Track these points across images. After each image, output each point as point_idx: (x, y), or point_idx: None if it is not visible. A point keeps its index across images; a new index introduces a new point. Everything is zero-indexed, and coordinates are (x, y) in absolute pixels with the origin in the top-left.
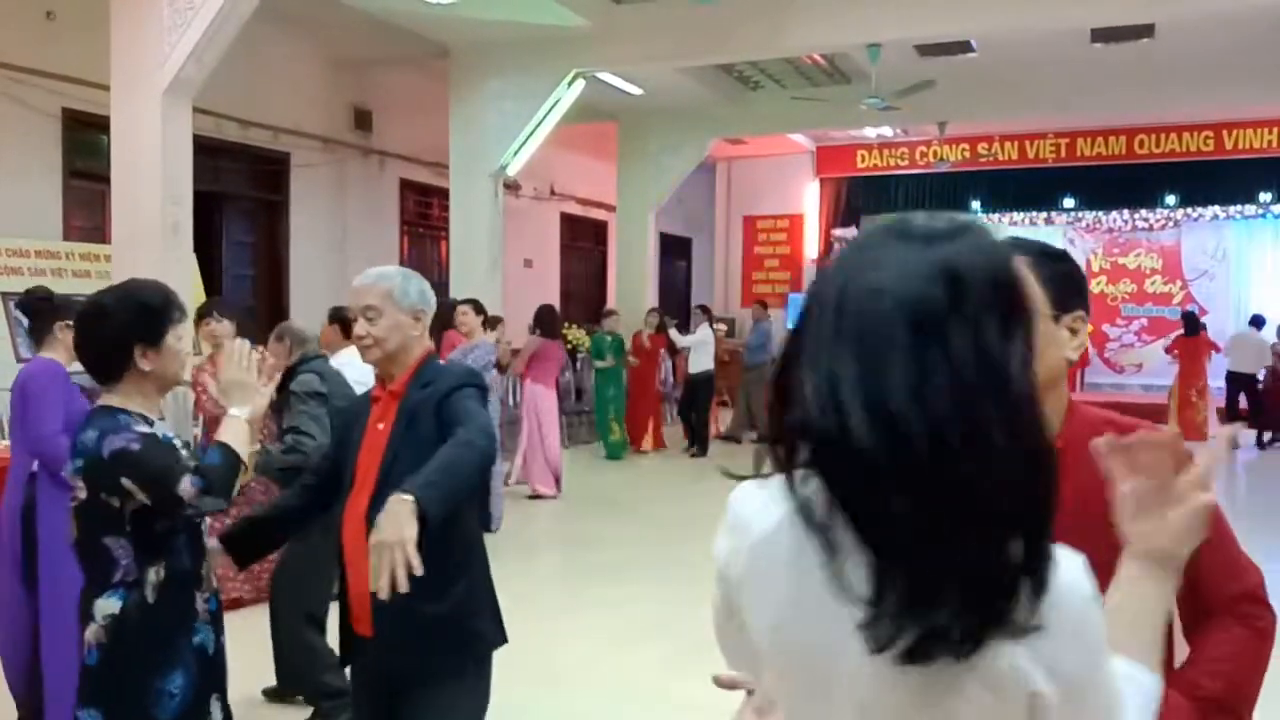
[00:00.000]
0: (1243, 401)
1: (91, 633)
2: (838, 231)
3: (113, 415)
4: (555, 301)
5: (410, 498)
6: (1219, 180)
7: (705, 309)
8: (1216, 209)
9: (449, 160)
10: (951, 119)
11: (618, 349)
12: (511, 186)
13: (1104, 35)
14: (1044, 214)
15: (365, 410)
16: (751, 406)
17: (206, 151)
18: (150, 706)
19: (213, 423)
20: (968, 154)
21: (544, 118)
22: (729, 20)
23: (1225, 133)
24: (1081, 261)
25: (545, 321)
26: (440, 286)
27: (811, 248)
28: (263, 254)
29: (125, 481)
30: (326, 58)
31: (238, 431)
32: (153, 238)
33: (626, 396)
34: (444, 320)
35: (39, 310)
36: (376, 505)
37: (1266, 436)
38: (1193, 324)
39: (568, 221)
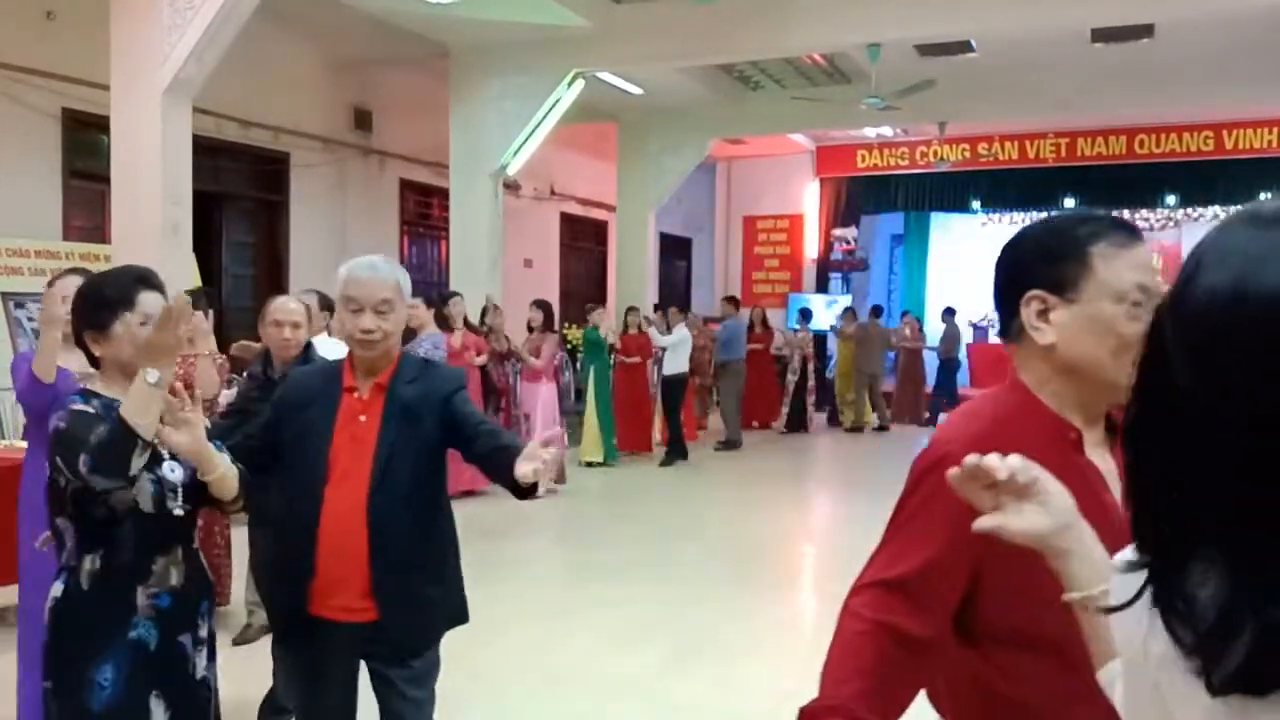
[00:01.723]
0: None
1: (46, 611)
2: (838, 231)
3: (77, 396)
4: (555, 301)
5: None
6: (1219, 180)
7: (681, 309)
8: (1217, 209)
9: (449, 160)
10: (952, 119)
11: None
12: (511, 186)
13: (1104, 35)
14: (1045, 213)
15: (330, 396)
16: (723, 405)
17: (206, 151)
18: (82, 693)
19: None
20: (968, 154)
21: (544, 117)
22: (729, 20)
23: (1226, 132)
24: None
25: (550, 316)
26: (441, 286)
27: (812, 248)
28: (263, 254)
29: (56, 459)
30: (326, 58)
31: (138, 398)
32: (153, 237)
33: (613, 397)
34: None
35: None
36: (379, 500)
37: None
38: None
39: (568, 221)
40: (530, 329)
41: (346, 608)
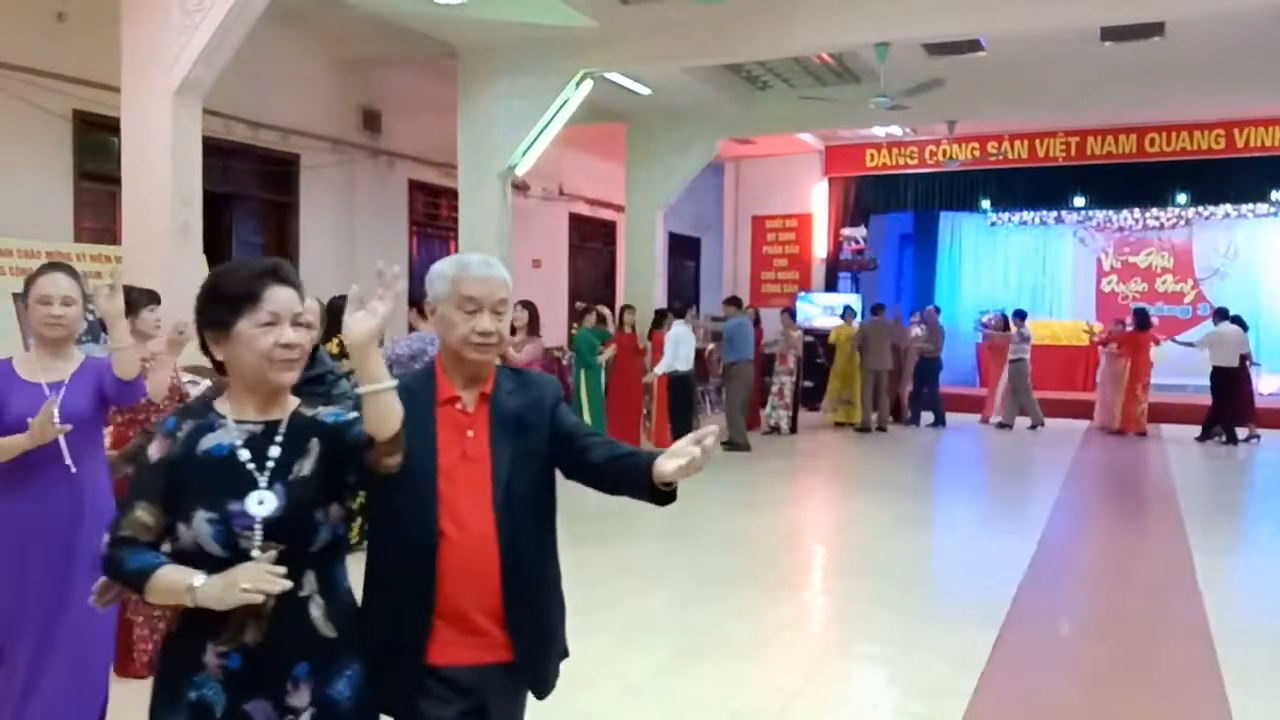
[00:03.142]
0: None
1: None
2: (847, 231)
3: (169, 420)
4: (564, 301)
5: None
6: (1230, 178)
7: (675, 309)
8: (1228, 207)
9: (457, 160)
10: (961, 118)
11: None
12: (520, 187)
13: (1114, 34)
14: (1054, 213)
15: (423, 409)
16: (728, 406)
17: (216, 152)
18: None
19: None
20: (977, 153)
21: (552, 118)
22: (737, 20)
23: (1236, 131)
24: (1092, 261)
25: (535, 317)
26: None
27: (821, 247)
28: (272, 254)
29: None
30: (335, 59)
31: (169, 588)
32: (163, 238)
33: (606, 397)
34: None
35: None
36: (506, 525)
37: (1243, 433)
38: (1143, 319)
39: (576, 221)
40: (514, 330)
41: (482, 647)
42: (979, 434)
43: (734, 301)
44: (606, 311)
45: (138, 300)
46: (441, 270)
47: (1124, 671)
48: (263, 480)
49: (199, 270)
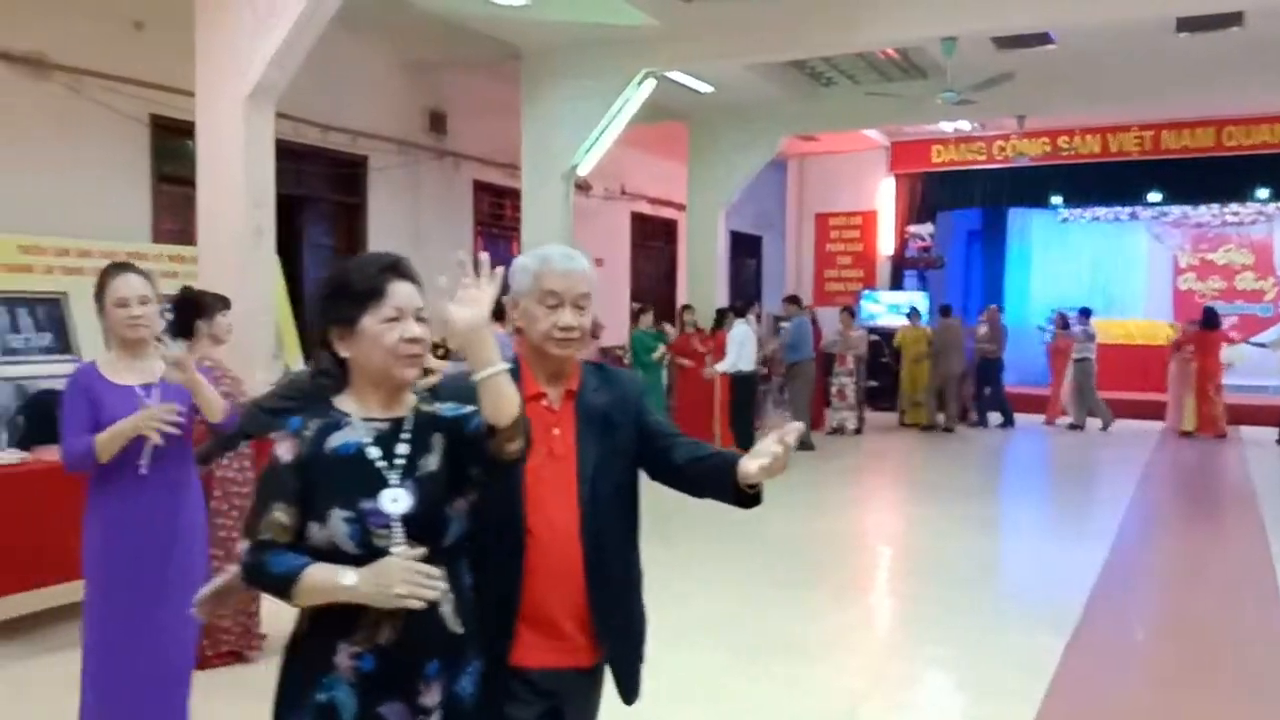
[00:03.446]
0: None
1: None
2: (913, 228)
3: (295, 420)
4: (625, 301)
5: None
6: None
7: (735, 308)
8: None
9: (521, 161)
10: (1030, 112)
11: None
12: (582, 186)
13: (1190, 24)
14: (1128, 209)
15: None
16: (793, 406)
17: (288, 155)
18: None
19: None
20: (1048, 148)
21: (614, 118)
22: (801, 16)
23: None
24: (1167, 258)
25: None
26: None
27: (886, 245)
28: (342, 255)
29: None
30: (402, 62)
31: (320, 587)
32: (237, 240)
33: (669, 396)
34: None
35: (181, 307)
36: (592, 526)
37: None
38: (1212, 319)
39: (638, 221)
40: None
41: (566, 650)
42: (1047, 435)
43: (794, 300)
44: (665, 326)
45: (211, 305)
46: (523, 264)
47: (1198, 677)
48: (393, 478)
49: (271, 271)
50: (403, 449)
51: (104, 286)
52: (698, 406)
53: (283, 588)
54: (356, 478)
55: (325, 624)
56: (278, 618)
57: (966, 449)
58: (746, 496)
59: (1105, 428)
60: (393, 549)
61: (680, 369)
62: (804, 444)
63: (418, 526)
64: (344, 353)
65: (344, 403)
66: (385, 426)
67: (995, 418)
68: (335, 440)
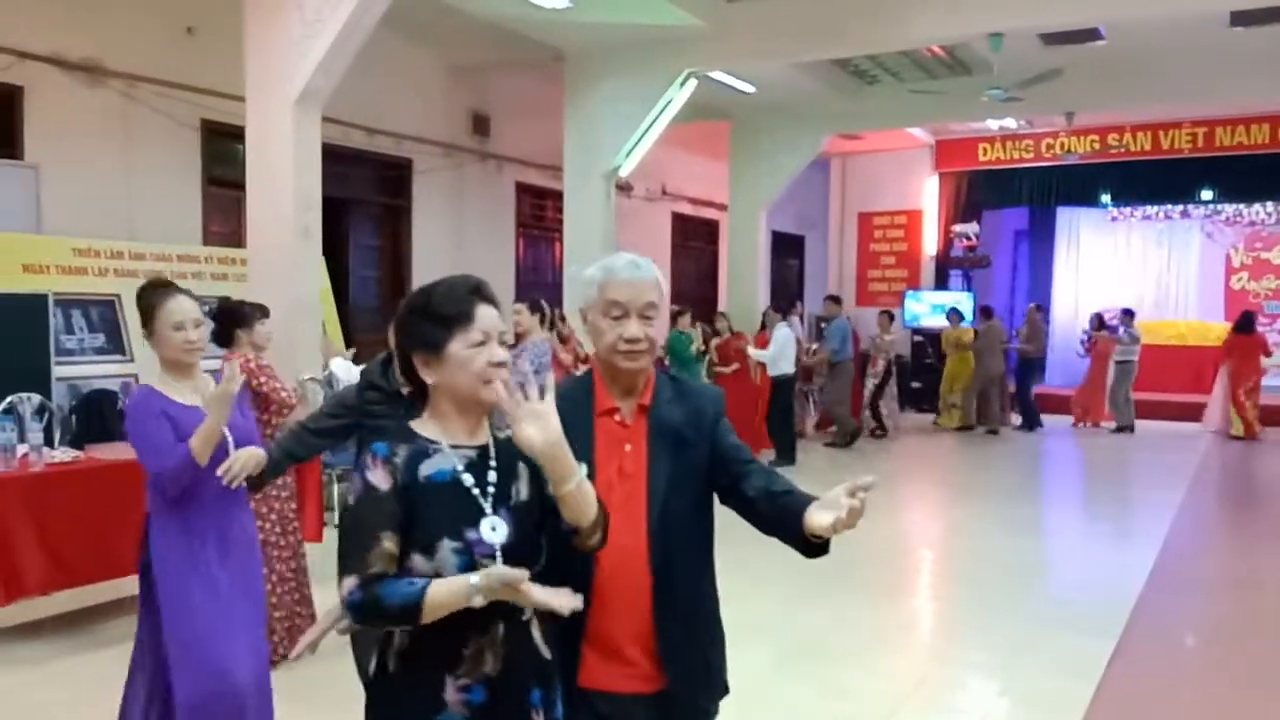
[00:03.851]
0: None
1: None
2: (958, 227)
3: (381, 445)
4: (666, 301)
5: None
6: None
7: (779, 308)
8: None
9: (563, 163)
10: (1079, 109)
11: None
12: (624, 187)
13: (1244, 18)
14: (1180, 207)
15: (582, 420)
16: (834, 406)
17: (335, 158)
18: None
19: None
20: (1098, 145)
21: (656, 118)
22: (845, 14)
23: None
24: (1220, 257)
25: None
26: (554, 287)
27: (930, 244)
28: (387, 256)
29: (342, 532)
30: (446, 65)
31: (447, 598)
32: (286, 242)
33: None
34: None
35: (222, 317)
36: (661, 545)
37: None
38: (1247, 322)
39: (679, 221)
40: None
41: (631, 676)
42: (1090, 437)
43: (835, 300)
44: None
45: (250, 315)
46: (589, 275)
47: (1251, 684)
48: (487, 506)
49: (318, 272)
50: (493, 476)
51: (155, 309)
52: (737, 410)
53: (408, 617)
54: (457, 507)
55: (426, 658)
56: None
57: (1006, 450)
58: (813, 545)
59: (1119, 429)
60: None
61: (719, 376)
62: (849, 435)
63: (515, 555)
64: (429, 378)
65: (426, 428)
66: (473, 454)
67: (1040, 418)
68: (428, 468)
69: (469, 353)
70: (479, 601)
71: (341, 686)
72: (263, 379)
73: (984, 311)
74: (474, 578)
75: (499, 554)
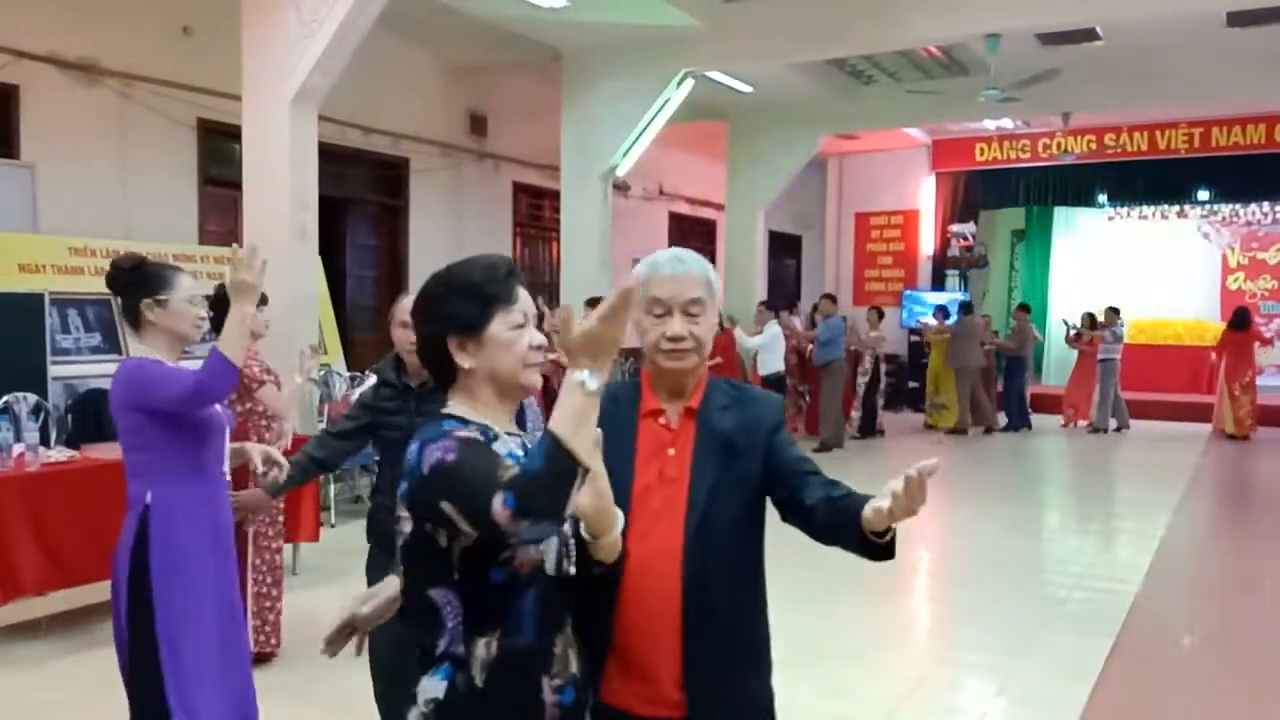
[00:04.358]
0: None
1: (417, 715)
2: (955, 227)
3: (439, 424)
4: (716, 299)
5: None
6: None
7: (771, 305)
8: None
9: (560, 162)
10: (1076, 109)
11: None
12: (620, 187)
13: (1240, 19)
14: (1176, 207)
15: (627, 421)
16: (824, 406)
17: (331, 158)
18: None
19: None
20: (1094, 145)
21: (653, 118)
22: (842, 14)
23: None
24: (1216, 257)
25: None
26: (551, 287)
27: (927, 244)
28: (384, 256)
29: (444, 505)
30: (443, 65)
31: (573, 410)
32: (282, 241)
33: None
34: None
35: (220, 303)
36: (696, 557)
37: None
38: (1241, 319)
39: (676, 221)
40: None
41: (651, 698)
42: (1083, 438)
43: (831, 299)
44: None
45: None
46: (634, 273)
47: (1247, 685)
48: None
49: (315, 272)
50: None
51: (171, 280)
52: None
53: (561, 461)
54: None
55: (520, 663)
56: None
57: (999, 451)
58: (876, 546)
59: (1102, 429)
60: (570, 569)
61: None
62: (834, 444)
63: (577, 545)
64: (466, 362)
65: (469, 415)
66: (518, 442)
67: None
68: (499, 447)
69: (511, 334)
70: (595, 385)
71: (341, 686)
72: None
73: (963, 308)
74: (576, 374)
75: (573, 542)
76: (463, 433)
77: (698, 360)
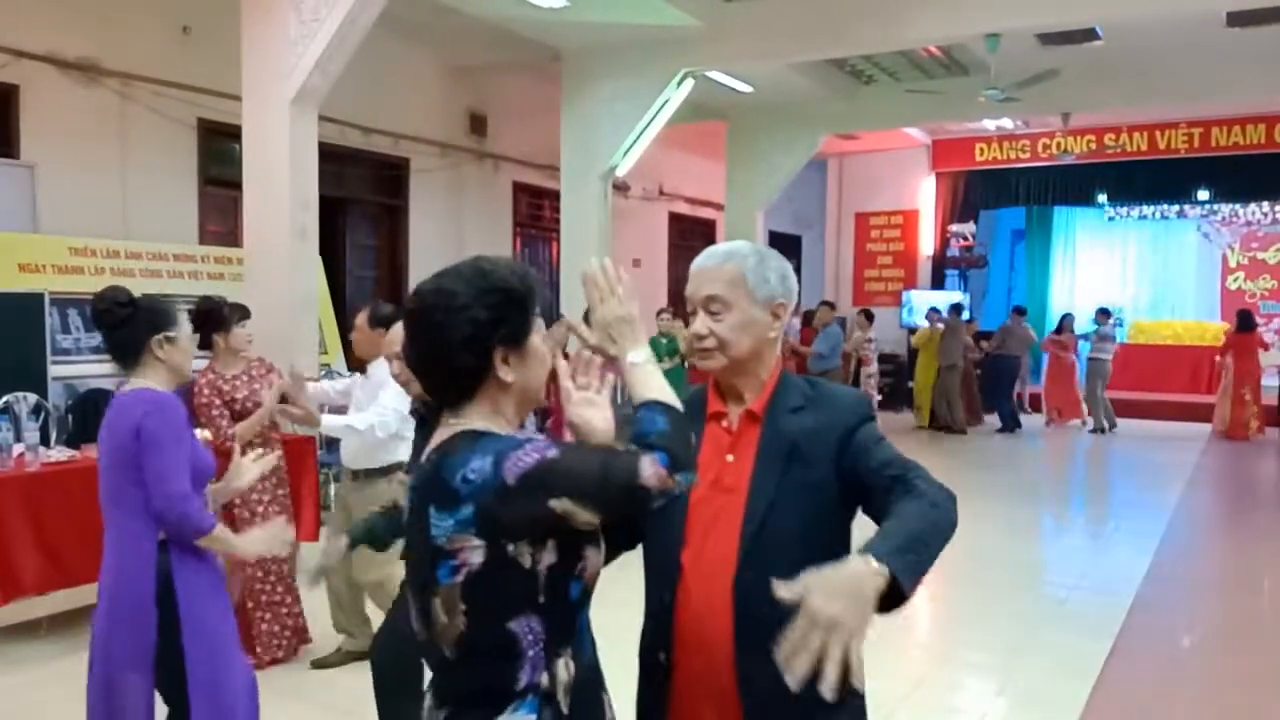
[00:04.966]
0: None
1: None
2: (955, 227)
3: (484, 438)
4: (664, 301)
5: (884, 569)
6: None
7: None
8: None
9: (560, 162)
10: (1076, 109)
11: (673, 351)
12: (620, 187)
13: (1240, 19)
14: (1176, 207)
15: (695, 423)
16: None
17: (331, 158)
18: None
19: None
20: (1094, 145)
21: (653, 118)
22: (842, 14)
23: None
24: (1216, 257)
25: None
26: (551, 287)
27: (927, 244)
28: (384, 256)
29: (557, 504)
30: (443, 65)
31: (654, 380)
32: (282, 241)
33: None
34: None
35: (200, 319)
36: (751, 573)
37: None
38: (1246, 321)
39: (676, 221)
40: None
41: (716, 715)
42: (1076, 438)
43: (829, 306)
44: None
45: (228, 318)
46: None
47: (1245, 684)
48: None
49: (315, 272)
50: None
51: (174, 318)
52: None
53: (683, 416)
54: None
55: (590, 682)
56: (314, 618)
57: (994, 451)
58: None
59: (1099, 429)
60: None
61: (693, 369)
62: None
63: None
64: (510, 376)
65: (499, 427)
66: None
67: (993, 421)
68: None
69: (543, 345)
70: (639, 356)
71: (341, 686)
72: (224, 397)
73: (953, 309)
74: (631, 355)
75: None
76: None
77: (725, 360)
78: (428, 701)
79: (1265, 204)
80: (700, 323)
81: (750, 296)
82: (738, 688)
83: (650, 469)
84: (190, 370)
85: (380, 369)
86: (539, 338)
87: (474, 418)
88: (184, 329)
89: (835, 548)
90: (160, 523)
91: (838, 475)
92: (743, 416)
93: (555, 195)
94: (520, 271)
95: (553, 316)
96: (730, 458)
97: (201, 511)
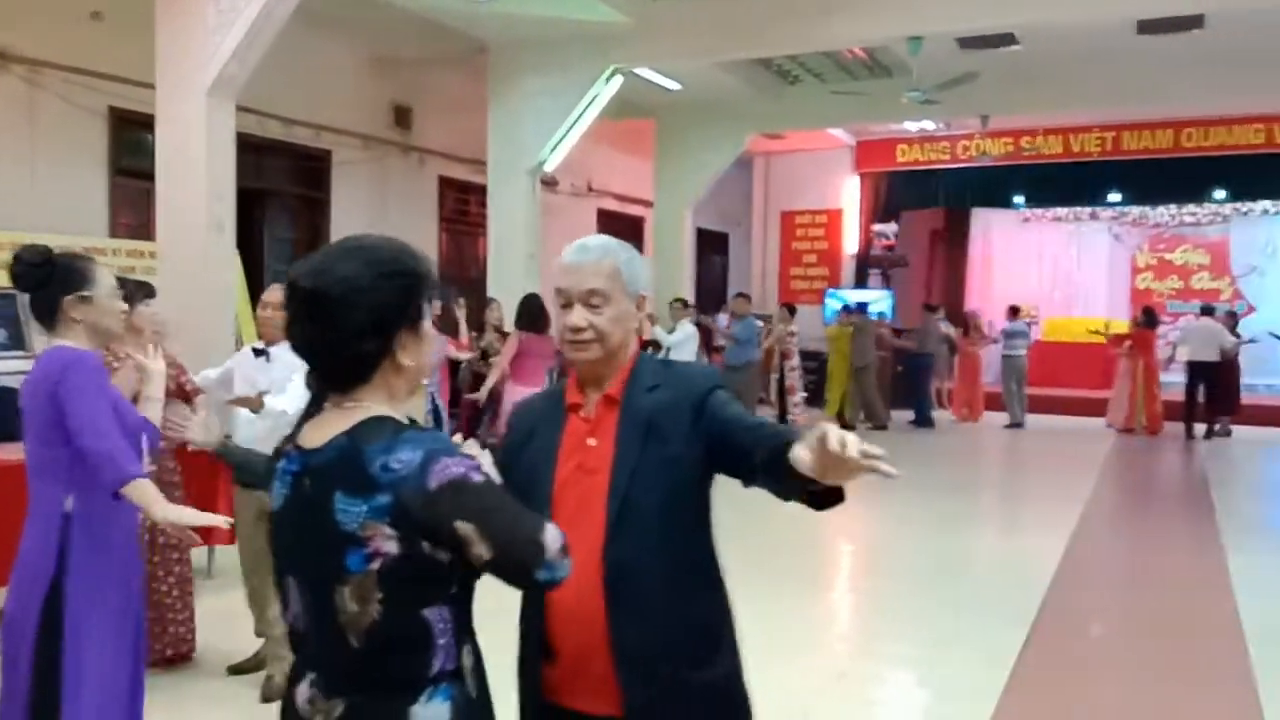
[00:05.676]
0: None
1: None
2: (877, 227)
3: (408, 429)
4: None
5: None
6: (1270, 174)
7: (685, 302)
8: (1267, 204)
9: (487, 157)
10: (994, 112)
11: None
12: (549, 183)
13: (1151, 26)
14: (1089, 209)
15: (553, 419)
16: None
17: (250, 149)
18: None
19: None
20: (1011, 148)
21: (581, 114)
22: (768, 14)
23: (1277, 126)
24: (1126, 257)
25: (527, 313)
26: (478, 283)
27: (851, 243)
28: (304, 250)
29: (461, 526)
30: (368, 56)
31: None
32: (197, 234)
33: None
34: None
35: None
36: (618, 549)
37: (1217, 426)
38: (1150, 318)
39: (605, 217)
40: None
41: (592, 694)
42: (987, 434)
43: (745, 298)
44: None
45: (133, 294)
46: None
47: (1155, 671)
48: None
49: (232, 266)
50: None
51: (91, 276)
52: None
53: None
54: None
55: (482, 662)
56: (207, 627)
57: (910, 448)
58: (818, 495)
59: (1015, 424)
60: None
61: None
62: None
63: None
64: (410, 359)
65: (398, 416)
66: None
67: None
68: None
69: (430, 328)
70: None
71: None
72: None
73: (859, 309)
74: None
75: None
76: (478, 465)
77: (601, 351)
78: (306, 693)
79: (1173, 206)
80: (578, 315)
81: (624, 290)
82: (612, 657)
83: (554, 534)
84: (117, 329)
85: (288, 350)
86: (428, 323)
87: (369, 401)
88: (101, 287)
89: (697, 518)
90: (86, 462)
91: (699, 439)
92: (600, 402)
93: (482, 190)
94: (415, 253)
95: (482, 307)
96: (592, 441)
97: (130, 455)
